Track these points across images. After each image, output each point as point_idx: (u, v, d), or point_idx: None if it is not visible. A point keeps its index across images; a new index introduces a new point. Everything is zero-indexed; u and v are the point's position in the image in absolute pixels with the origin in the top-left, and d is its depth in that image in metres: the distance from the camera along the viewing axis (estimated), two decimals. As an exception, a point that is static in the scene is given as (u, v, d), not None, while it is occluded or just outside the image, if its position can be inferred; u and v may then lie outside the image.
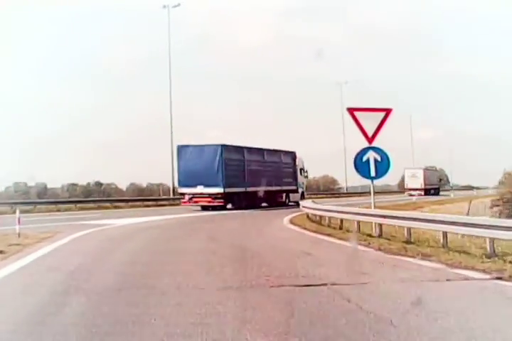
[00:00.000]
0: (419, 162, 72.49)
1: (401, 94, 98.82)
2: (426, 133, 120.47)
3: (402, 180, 67.16)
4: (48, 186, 62.58)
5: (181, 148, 29.09)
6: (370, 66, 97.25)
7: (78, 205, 33.47)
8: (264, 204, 30.57)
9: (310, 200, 26.04)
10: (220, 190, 27.49)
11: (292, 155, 34.17)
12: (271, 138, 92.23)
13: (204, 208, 28.42)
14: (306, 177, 37.16)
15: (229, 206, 28.48)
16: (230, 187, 27.88)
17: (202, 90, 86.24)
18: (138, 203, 38.31)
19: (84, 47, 75.09)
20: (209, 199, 27.61)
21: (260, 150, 31.57)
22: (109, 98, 72.84)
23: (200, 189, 27.60)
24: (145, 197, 44.04)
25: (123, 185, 66.08)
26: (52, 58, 69.37)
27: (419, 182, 56.90)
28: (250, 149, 30.66)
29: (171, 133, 43.75)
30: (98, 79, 76.75)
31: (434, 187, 62.77)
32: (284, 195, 32.85)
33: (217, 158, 27.87)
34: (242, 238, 14.05)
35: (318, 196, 51.42)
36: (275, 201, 31.48)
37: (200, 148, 28.44)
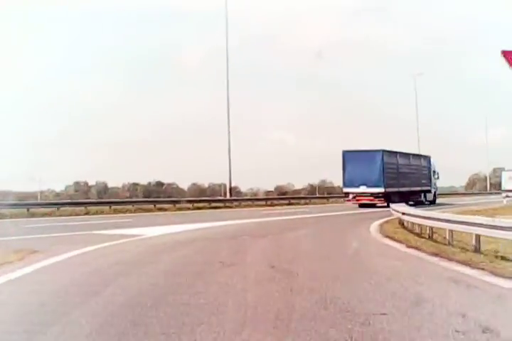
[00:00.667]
0: (493, 162, 75.81)
1: (474, 92, 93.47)
2: (497, 132, 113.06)
3: (470, 182, 75.15)
4: (109, 185, 60.39)
5: (346, 153, 31.66)
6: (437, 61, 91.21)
7: (113, 207, 28.93)
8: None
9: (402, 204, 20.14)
10: (381, 189, 30.50)
11: (428, 158, 38.28)
12: (328, 138, 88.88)
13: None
14: (438, 178, 39.95)
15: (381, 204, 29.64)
16: (389, 187, 30.95)
17: (262, 91, 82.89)
18: (196, 204, 33.36)
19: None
20: (371, 197, 30.59)
21: (407, 155, 35.44)
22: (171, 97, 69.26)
23: (363, 189, 30.61)
24: (193, 199, 39.24)
25: (184, 185, 65.17)
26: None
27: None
28: (401, 154, 34.27)
29: (228, 133, 39.78)
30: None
31: None
32: (422, 194, 36.17)
33: (379, 162, 31.04)
34: (323, 275, 7.78)
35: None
36: (415, 200, 33.31)
37: (363, 153, 31.62)
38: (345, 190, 32.13)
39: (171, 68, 75.06)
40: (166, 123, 74.52)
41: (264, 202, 39.10)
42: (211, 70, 77.14)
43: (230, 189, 40.77)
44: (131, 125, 71.71)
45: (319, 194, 57.53)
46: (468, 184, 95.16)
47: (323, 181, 72.51)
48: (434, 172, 38.88)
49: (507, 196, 50.26)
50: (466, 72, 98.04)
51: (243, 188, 67.54)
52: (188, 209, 31.28)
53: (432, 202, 36.61)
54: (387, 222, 18.01)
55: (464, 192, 74.57)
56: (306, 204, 40.83)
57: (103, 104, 66.85)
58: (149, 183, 61.57)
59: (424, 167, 37.50)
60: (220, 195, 44.14)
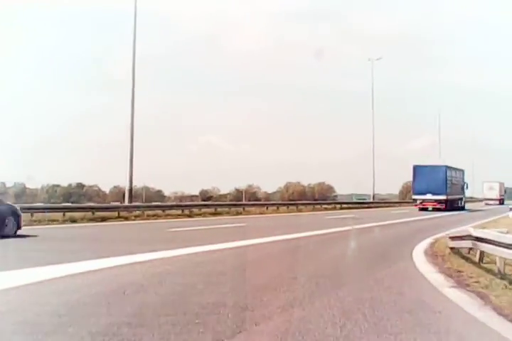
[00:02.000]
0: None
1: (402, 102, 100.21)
2: (421, 142, 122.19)
3: (404, 189, 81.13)
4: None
5: (417, 167, 38.96)
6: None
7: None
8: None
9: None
10: (444, 197, 37.70)
11: (462, 171, 44.92)
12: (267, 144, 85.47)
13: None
14: (467, 188, 46.33)
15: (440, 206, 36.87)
16: (448, 195, 38.35)
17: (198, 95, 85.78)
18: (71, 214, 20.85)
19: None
20: (435, 203, 37.31)
21: (455, 169, 42.07)
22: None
23: (429, 196, 37.48)
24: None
25: (106, 187, 64.02)
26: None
27: (495, 194, 66.25)
28: (452, 168, 40.98)
29: (131, 139, 27.37)
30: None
31: (503, 197, 70.93)
32: (459, 201, 42.33)
33: (442, 175, 38.31)
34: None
35: (343, 206, 41.02)
36: (455, 206, 39.57)
37: (430, 167, 38.81)
38: (414, 197, 39.15)
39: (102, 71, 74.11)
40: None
41: (180, 211, 26.34)
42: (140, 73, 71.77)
43: (130, 192, 27.68)
44: (54, 124, 69.40)
45: (246, 200, 49.84)
46: (401, 192, 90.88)
47: (250, 186, 67.24)
48: (464, 182, 45.56)
49: (486, 204, 61.16)
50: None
51: (167, 192, 66.85)
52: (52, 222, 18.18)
53: (463, 208, 42.02)
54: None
55: None
56: (238, 214, 28.25)
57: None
58: (70, 185, 59.16)
59: (461, 178, 44.36)
60: (120, 202, 30.46)
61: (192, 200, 53.41)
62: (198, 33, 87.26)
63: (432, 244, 12.31)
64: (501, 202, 64.73)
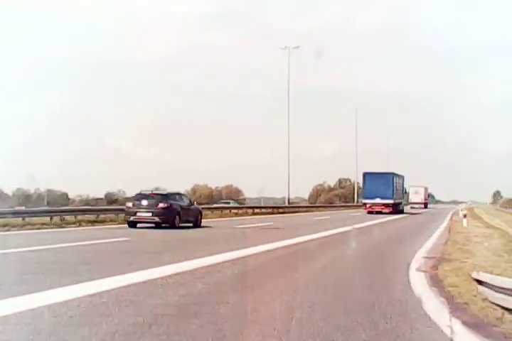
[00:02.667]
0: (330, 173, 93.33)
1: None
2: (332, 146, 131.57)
3: (314, 192, 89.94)
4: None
5: (366, 174, 42.71)
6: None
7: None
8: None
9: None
10: (391, 201, 40.61)
11: (403, 177, 48.47)
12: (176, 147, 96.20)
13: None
14: (406, 193, 53.35)
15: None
16: (395, 199, 41.60)
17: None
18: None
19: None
20: (383, 207, 39.92)
21: (397, 175, 44.95)
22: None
23: (378, 200, 40.10)
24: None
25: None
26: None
27: (420, 198, 69.08)
28: (396, 174, 44.66)
29: None
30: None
31: (427, 201, 76.09)
32: (400, 205, 45.48)
33: (390, 181, 41.34)
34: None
35: (255, 211, 35.62)
36: (398, 210, 42.85)
37: (379, 174, 42.48)
38: (364, 201, 42.08)
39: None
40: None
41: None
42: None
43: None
44: None
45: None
46: (311, 195, 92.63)
47: (157, 188, 60.42)
48: (404, 188, 49.21)
49: (412, 207, 64.12)
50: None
51: (71, 194, 63.82)
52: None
53: (403, 211, 44.63)
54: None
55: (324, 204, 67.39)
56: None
57: None
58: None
59: (402, 184, 47.22)
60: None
61: (97, 203, 50.02)
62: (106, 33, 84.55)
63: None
64: (426, 205, 69.54)
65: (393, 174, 43.29)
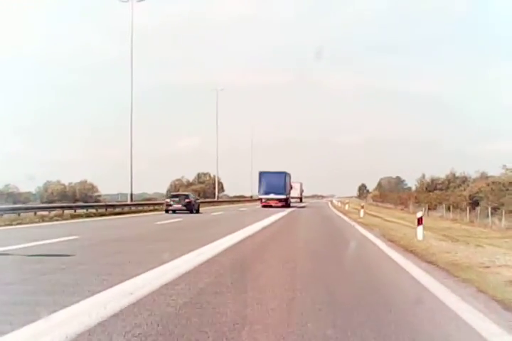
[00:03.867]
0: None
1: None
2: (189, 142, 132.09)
3: (172, 187, 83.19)
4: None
5: (262, 173, 48.08)
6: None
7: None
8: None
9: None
10: (284, 196, 47.17)
11: (290, 175, 52.35)
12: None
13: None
14: (291, 189, 53.95)
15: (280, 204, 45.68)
16: (287, 195, 48.11)
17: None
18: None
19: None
20: (277, 201, 45.69)
21: (287, 174, 50.39)
22: None
23: (272, 196, 46.20)
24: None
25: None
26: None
27: (296, 193, 72.45)
28: (287, 173, 50.25)
29: None
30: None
31: (302, 196, 79.90)
32: (289, 200, 50.39)
33: (282, 179, 47.55)
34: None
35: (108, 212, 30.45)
36: (288, 204, 47.95)
37: (274, 173, 47.57)
38: (260, 196, 48.10)
39: None
40: None
41: None
42: None
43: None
44: None
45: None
46: (169, 190, 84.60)
47: (7, 186, 61.60)
48: (290, 185, 53.13)
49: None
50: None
51: None
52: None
53: (289, 205, 48.76)
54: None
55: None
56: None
57: None
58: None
59: (289, 181, 51.64)
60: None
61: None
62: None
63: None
64: (301, 200, 75.12)
65: (285, 173, 48.63)
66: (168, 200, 32.51)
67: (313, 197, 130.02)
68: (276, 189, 45.77)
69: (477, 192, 40.95)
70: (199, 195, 76.99)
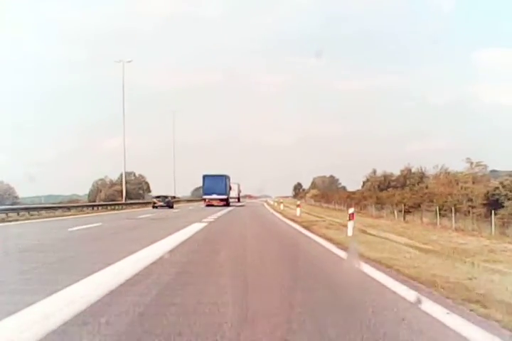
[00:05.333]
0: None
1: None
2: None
3: (95, 188, 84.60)
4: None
5: (205, 176, 53.79)
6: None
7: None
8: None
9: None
10: (225, 196, 53.55)
11: (229, 177, 57.69)
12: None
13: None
14: (230, 189, 59.20)
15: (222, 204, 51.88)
16: (227, 195, 54.71)
17: None
18: None
19: None
20: (218, 201, 51.84)
21: (227, 176, 56.12)
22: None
23: (214, 196, 52.29)
24: None
25: None
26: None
27: (235, 193, 76.36)
28: (227, 176, 55.96)
29: None
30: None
31: (239, 196, 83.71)
32: (229, 199, 55.98)
33: (223, 181, 53.84)
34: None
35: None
36: (228, 203, 54.22)
37: (216, 176, 53.54)
38: (204, 196, 53.97)
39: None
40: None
41: None
42: None
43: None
44: None
45: None
46: (92, 191, 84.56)
47: None
48: (229, 186, 58.29)
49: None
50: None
51: None
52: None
53: (229, 205, 53.75)
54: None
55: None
56: None
57: None
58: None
59: (229, 183, 57.26)
60: None
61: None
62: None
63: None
64: (239, 199, 79.72)
65: (225, 176, 54.83)
66: (155, 200, 48.32)
67: (247, 197, 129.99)
68: (218, 190, 52.00)
69: (496, 189, 32.71)
70: (120, 196, 73.08)
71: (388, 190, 55.78)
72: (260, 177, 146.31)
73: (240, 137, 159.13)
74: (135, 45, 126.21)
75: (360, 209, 43.73)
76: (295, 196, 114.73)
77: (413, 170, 59.74)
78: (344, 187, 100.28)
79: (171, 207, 46.67)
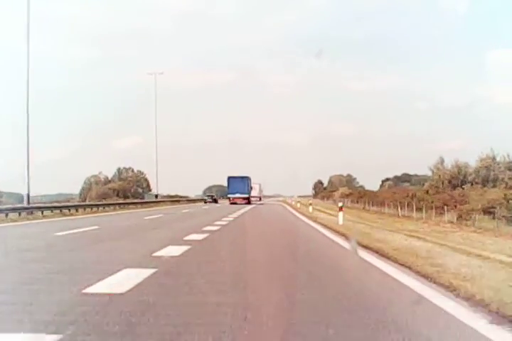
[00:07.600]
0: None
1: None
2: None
3: (86, 186, 78.77)
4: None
5: (230, 177, 61.96)
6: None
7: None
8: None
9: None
10: (247, 195, 61.62)
11: (251, 178, 65.59)
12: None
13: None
14: (251, 189, 66.63)
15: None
16: (249, 194, 62.91)
17: None
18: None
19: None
20: (241, 199, 59.30)
21: (249, 178, 64.28)
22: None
23: (238, 195, 60.04)
24: None
25: None
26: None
27: (257, 192, 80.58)
28: (248, 177, 63.84)
29: None
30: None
31: (261, 195, 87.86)
32: (250, 199, 63.38)
33: (246, 182, 61.91)
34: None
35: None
36: (249, 201, 61.91)
37: (239, 177, 61.70)
38: (229, 195, 61.47)
39: None
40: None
41: None
42: None
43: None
44: None
45: None
46: (84, 188, 78.74)
47: None
48: (250, 186, 65.99)
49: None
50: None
51: None
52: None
53: (250, 203, 60.81)
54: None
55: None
56: None
57: None
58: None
59: (250, 183, 65.17)
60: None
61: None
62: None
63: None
64: (260, 198, 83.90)
65: (247, 177, 62.94)
66: (205, 197, 74.20)
67: (274, 196, 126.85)
68: (241, 190, 60.15)
69: None
70: (117, 195, 69.02)
71: (463, 187, 41.57)
72: (273, 176, 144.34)
73: (251, 137, 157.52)
74: (148, 44, 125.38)
75: (460, 217, 28.85)
76: (315, 195, 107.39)
77: (498, 159, 45.04)
78: (362, 186, 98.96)
79: (216, 202, 69.21)
